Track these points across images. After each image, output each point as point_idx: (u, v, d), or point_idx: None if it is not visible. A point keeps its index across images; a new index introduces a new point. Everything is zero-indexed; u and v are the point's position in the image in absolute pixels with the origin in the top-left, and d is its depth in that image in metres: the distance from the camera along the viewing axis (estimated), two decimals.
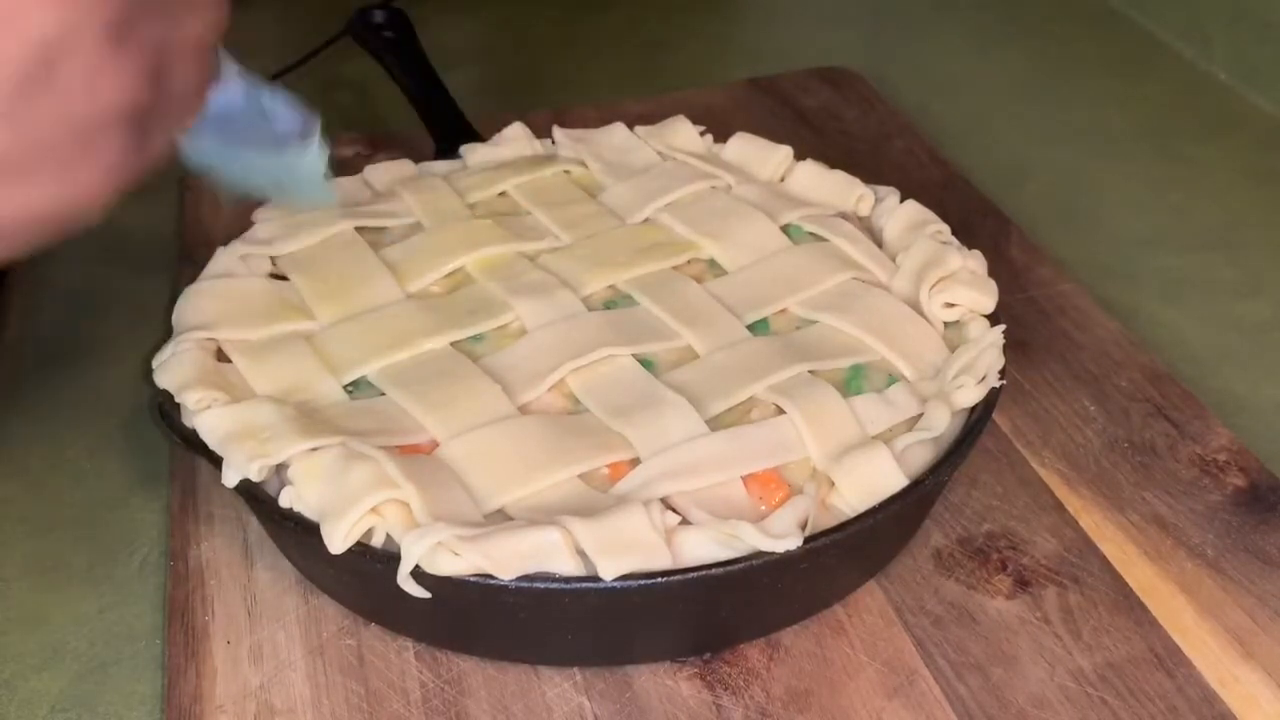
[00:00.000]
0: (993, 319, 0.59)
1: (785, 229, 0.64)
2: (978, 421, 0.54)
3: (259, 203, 0.64)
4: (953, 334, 0.59)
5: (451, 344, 0.56)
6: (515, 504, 0.49)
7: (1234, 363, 0.69)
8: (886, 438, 0.52)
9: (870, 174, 0.68)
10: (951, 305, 0.59)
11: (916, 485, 0.50)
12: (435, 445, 0.51)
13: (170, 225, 0.77)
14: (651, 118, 0.73)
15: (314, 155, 0.49)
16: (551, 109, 0.84)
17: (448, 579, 0.45)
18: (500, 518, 0.49)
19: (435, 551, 0.45)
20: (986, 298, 0.59)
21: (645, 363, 0.56)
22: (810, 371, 0.55)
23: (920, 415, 0.53)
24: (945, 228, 0.63)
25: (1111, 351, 0.67)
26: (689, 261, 0.62)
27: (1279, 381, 0.68)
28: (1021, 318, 0.69)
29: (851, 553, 0.51)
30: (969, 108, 0.94)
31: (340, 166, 0.57)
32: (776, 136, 0.70)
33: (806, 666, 0.51)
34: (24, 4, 0.32)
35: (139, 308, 0.70)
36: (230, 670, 0.51)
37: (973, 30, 1.06)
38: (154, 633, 0.55)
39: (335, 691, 0.50)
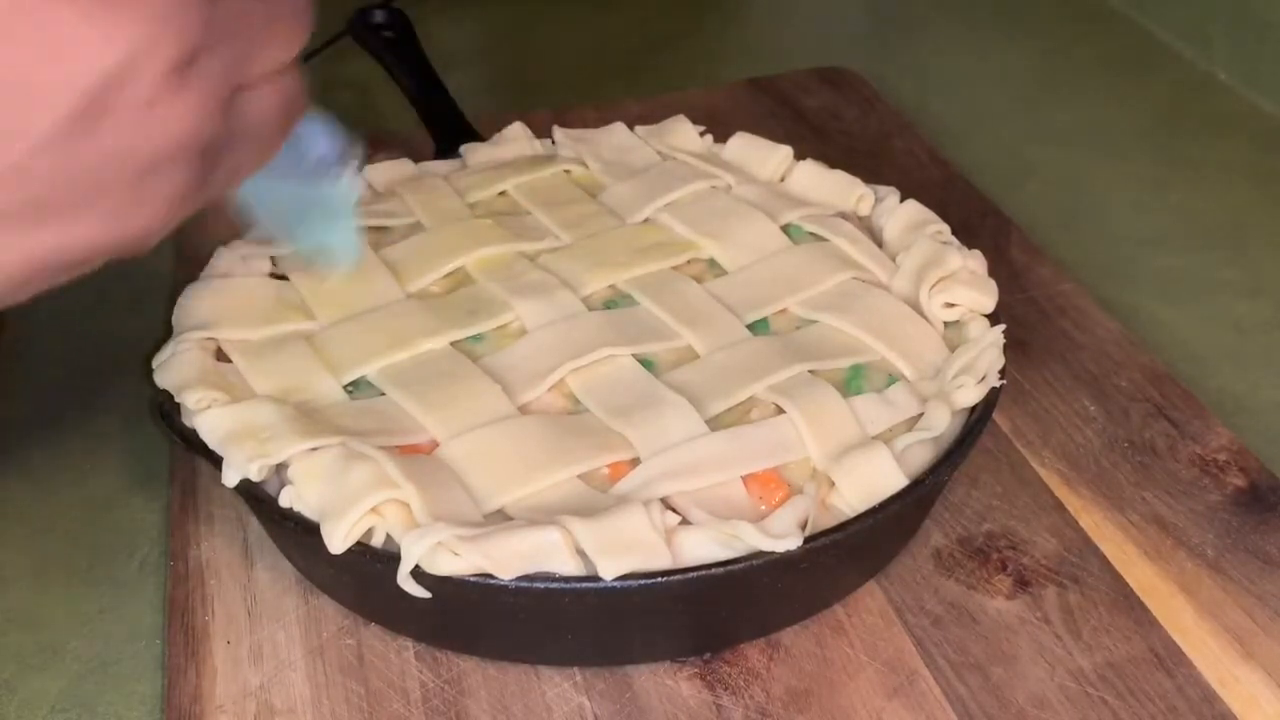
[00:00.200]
0: (993, 319, 0.59)
1: (785, 229, 0.64)
2: (978, 421, 0.54)
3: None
4: (953, 334, 0.59)
5: (451, 344, 0.56)
6: (515, 504, 0.49)
7: (1234, 363, 0.69)
8: (886, 438, 0.52)
9: (870, 174, 0.68)
10: (951, 305, 0.59)
11: (916, 485, 0.50)
12: (435, 445, 0.51)
13: None
14: (651, 118, 0.73)
15: (345, 190, 0.47)
16: (551, 109, 0.84)
17: (448, 579, 0.45)
18: (500, 518, 0.49)
19: (435, 551, 0.45)
20: (986, 298, 0.59)
21: (645, 363, 0.56)
22: (810, 371, 0.55)
23: (920, 415, 0.53)
24: (945, 228, 0.63)
25: (1111, 351, 0.67)
26: (689, 261, 0.62)
27: (1279, 381, 0.68)
28: (1021, 318, 0.69)
29: (851, 553, 0.51)
30: (969, 108, 0.94)
31: None
32: (776, 136, 0.70)
33: (806, 666, 0.51)
34: (82, 34, 0.30)
35: (139, 308, 0.70)
36: (230, 670, 0.51)
37: (973, 30, 1.06)
38: (154, 633, 0.55)
39: (335, 691, 0.50)
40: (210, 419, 0.51)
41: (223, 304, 0.57)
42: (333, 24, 0.95)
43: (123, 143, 0.32)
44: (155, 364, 0.55)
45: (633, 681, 0.50)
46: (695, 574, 0.46)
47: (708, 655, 0.51)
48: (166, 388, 0.53)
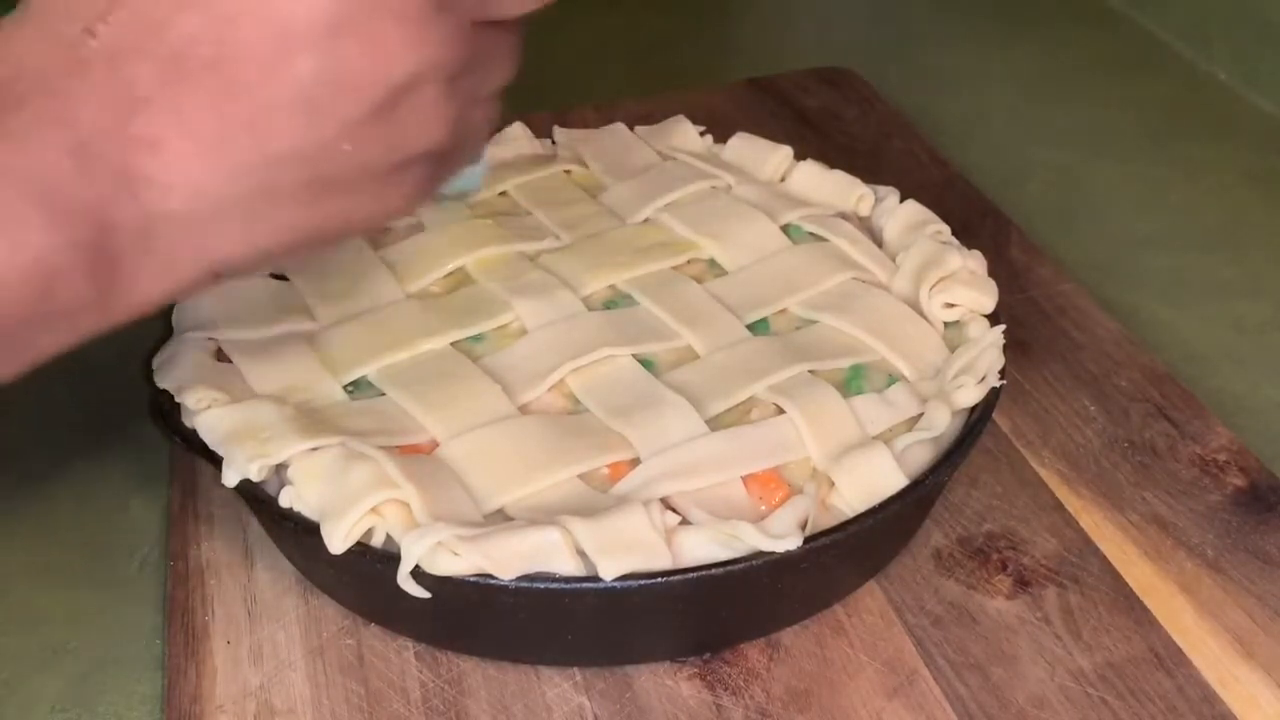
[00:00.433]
0: (993, 319, 0.59)
1: (785, 229, 0.64)
2: (978, 421, 0.54)
3: None
4: (953, 334, 0.59)
5: (451, 344, 0.56)
6: (515, 504, 0.49)
7: (1234, 363, 0.69)
8: (886, 438, 0.52)
9: (870, 174, 0.68)
10: (951, 305, 0.59)
11: (916, 485, 0.50)
12: (435, 445, 0.51)
13: None
14: (651, 118, 0.73)
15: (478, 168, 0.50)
16: (551, 109, 0.84)
17: (448, 579, 0.45)
18: (500, 518, 0.49)
19: (435, 551, 0.45)
20: (986, 298, 0.59)
21: (645, 363, 0.56)
22: (810, 371, 0.55)
23: (920, 415, 0.53)
24: (945, 228, 0.63)
25: (1111, 351, 0.67)
26: (689, 261, 0.62)
27: (1279, 381, 0.68)
28: (1021, 318, 0.69)
29: (851, 553, 0.51)
30: (969, 108, 0.94)
31: None
32: (776, 136, 0.70)
33: (806, 666, 0.51)
34: (394, 44, 0.36)
35: None
36: (230, 670, 0.51)
37: (973, 30, 1.06)
38: (154, 633, 0.55)
39: (335, 691, 0.50)
40: (210, 419, 0.51)
41: (223, 304, 0.57)
42: None
43: (399, 137, 0.38)
44: (155, 364, 0.55)
45: (633, 681, 0.50)
46: (695, 574, 0.46)
47: (708, 655, 0.51)
48: (166, 388, 0.53)
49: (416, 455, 0.50)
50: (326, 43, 0.35)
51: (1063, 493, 0.59)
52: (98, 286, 0.35)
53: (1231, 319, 0.72)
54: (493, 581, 0.45)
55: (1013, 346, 0.58)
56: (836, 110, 0.90)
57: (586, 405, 0.54)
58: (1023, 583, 0.55)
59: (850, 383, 0.55)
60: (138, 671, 0.53)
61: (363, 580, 0.51)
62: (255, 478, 0.49)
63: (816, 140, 0.86)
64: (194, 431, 0.51)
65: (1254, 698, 0.50)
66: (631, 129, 0.72)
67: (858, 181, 0.67)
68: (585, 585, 0.46)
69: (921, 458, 0.52)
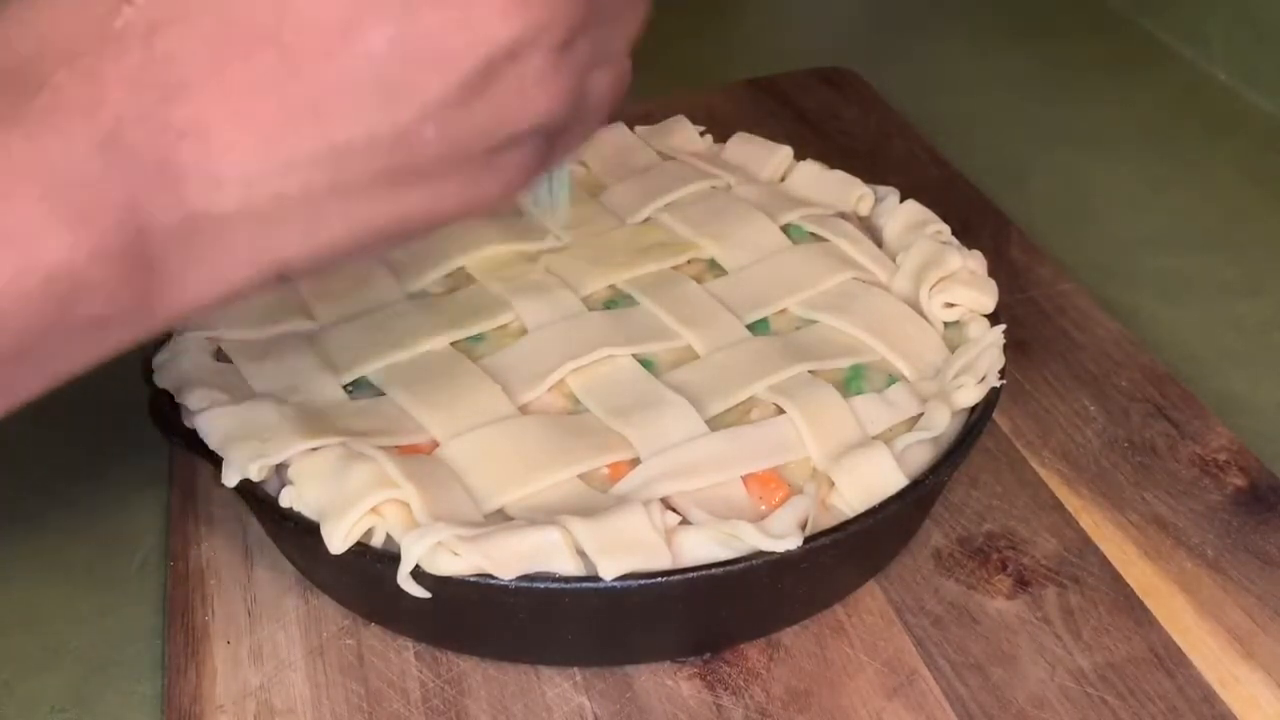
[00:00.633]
0: (993, 319, 0.59)
1: (785, 229, 0.64)
2: (978, 421, 0.54)
3: None
4: (953, 334, 0.59)
5: (451, 344, 0.56)
6: (515, 504, 0.49)
7: (1234, 363, 0.69)
8: (886, 438, 0.52)
9: (870, 174, 0.68)
10: (951, 305, 0.59)
11: (916, 485, 0.50)
12: (435, 445, 0.51)
13: None
14: (651, 118, 0.73)
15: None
16: None
17: (448, 579, 0.45)
18: (500, 518, 0.49)
19: (435, 551, 0.45)
20: (986, 298, 0.59)
21: (645, 363, 0.56)
22: (810, 371, 0.55)
23: (920, 415, 0.53)
24: (945, 228, 0.63)
25: (1111, 351, 0.67)
26: (689, 261, 0.62)
27: (1279, 381, 0.68)
28: (1021, 318, 0.69)
29: (851, 553, 0.51)
30: (969, 108, 0.94)
31: None
32: (776, 136, 0.70)
33: (806, 666, 0.51)
34: (484, 12, 0.31)
35: None
36: (230, 670, 0.51)
37: (973, 30, 1.06)
38: (154, 633, 0.55)
39: (335, 691, 0.50)
40: (210, 419, 0.51)
41: None
42: None
43: (495, 116, 0.32)
44: (155, 364, 0.55)
45: (633, 681, 0.50)
46: (695, 574, 0.46)
47: (708, 655, 0.51)
48: (166, 388, 0.53)
49: (416, 455, 0.50)
50: (404, 10, 0.30)
51: (1063, 493, 0.59)
52: (134, 294, 0.31)
53: (1231, 319, 0.72)
54: (493, 581, 0.45)
55: (1013, 346, 0.58)
56: (836, 110, 0.90)
57: (586, 405, 0.54)
58: (1023, 583, 0.55)
59: (850, 383, 0.55)
60: (138, 671, 0.53)
61: (363, 580, 0.51)
62: (255, 478, 0.49)
63: (816, 140, 0.86)
64: (194, 431, 0.51)
65: (1254, 698, 0.50)
66: (631, 129, 0.72)
67: (858, 181, 0.67)
68: (585, 585, 0.46)
69: (921, 458, 0.52)
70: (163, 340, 0.56)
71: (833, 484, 0.50)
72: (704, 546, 0.47)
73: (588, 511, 0.47)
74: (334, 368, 0.55)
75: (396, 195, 0.33)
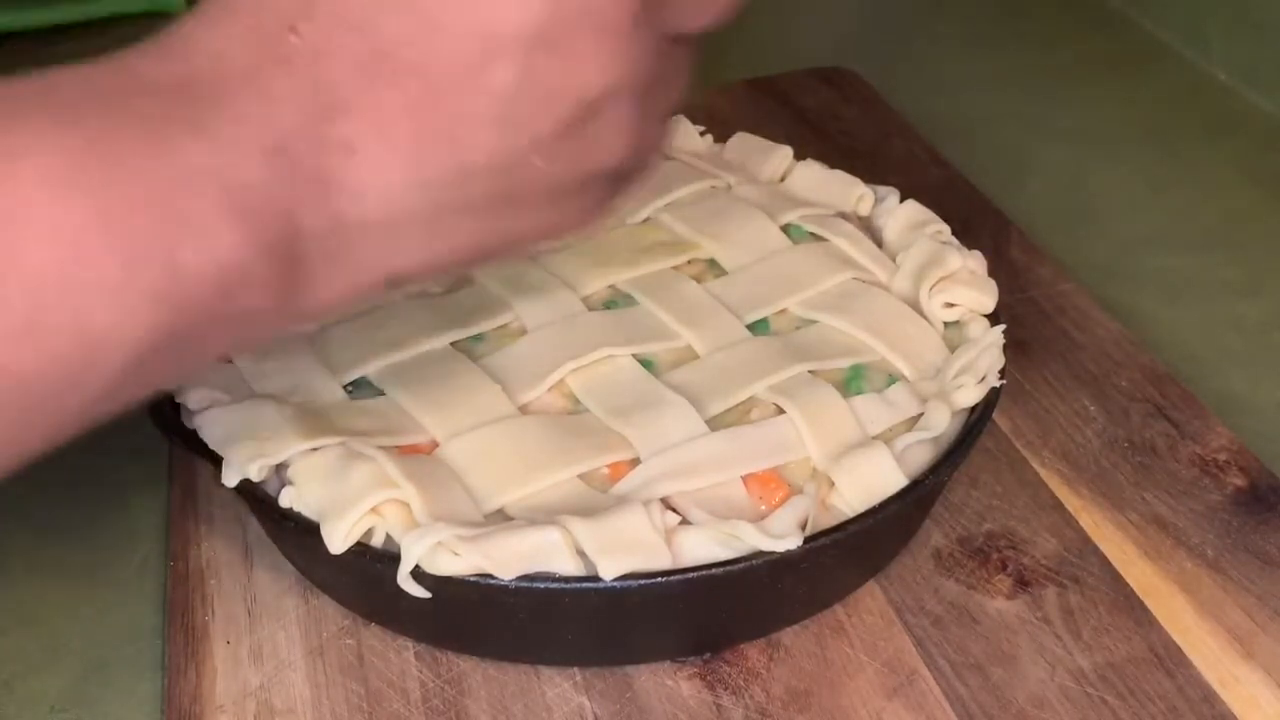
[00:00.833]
0: (993, 319, 0.59)
1: (785, 229, 0.64)
2: (978, 421, 0.54)
3: None
4: (953, 334, 0.59)
5: (451, 344, 0.56)
6: (515, 504, 0.49)
7: (1234, 363, 0.69)
8: (886, 438, 0.52)
9: (870, 174, 0.68)
10: (951, 305, 0.59)
11: (916, 485, 0.50)
12: (435, 445, 0.51)
13: None
14: None
15: None
16: None
17: (448, 579, 0.45)
18: (500, 518, 0.49)
19: (435, 551, 0.45)
20: (986, 298, 0.59)
21: (645, 363, 0.56)
22: (810, 371, 0.55)
23: (920, 415, 0.53)
24: (945, 227, 0.63)
25: (1111, 351, 0.67)
26: (689, 261, 0.62)
27: (1279, 381, 0.68)
28: (1021, 318, 0.69)
29: (851, 553, 0.51)
30: (969, 108, 0.94)
31: None
32: (776, 136, 0.70)
33: (806, 666, 0.51)
34: (593, 59, 0.35)
35: None
36: (230, 670, 0.51)
37: (973, 30, 1.06)
38: (154, 633, 0.55)
39: (335, 691, 0.50)
40: (210, 419, 0.51)
41: None
42: None
43: (589, 152, 0.36)
44: None
45: (633, 681, 0.50)
46: (695, 574, 0.46)
47: (708, 655, 0.51)
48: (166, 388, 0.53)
49: (416, 455, 0.50)
50: (527, 54, 0.34)
51: (1063, 493, 0.59)
52: (279, 291, 0.34)
53: (1231, 319, 0.72)
54: (493, 581, 0.45)
55: (1013, 346, 0.58)
56: (836, 110, 0.90)
57: (586, 405, 0.54)
58: (1023, 583, 0.55)
59: (850, 383, 0.55)
60: (138, 671, 0.53)
61: (363, 580, 0.51)
62: (255, 478, 0.49)
63: (816, 140, 0.86)
64: (194, 431, 0.51)
65: (1254, 698, 0.50)
66: None
67: (858, 181, 0.67)
68: (585, 585, 0.46)
69: (921, 458, 0.52)
70: None
71: (833, 484, 0.50)
72: (704, 546, 0.47)
73: (588, 511, 0.47)
74: (334, 368, 0.55)
75: (501, 217, 0.37)
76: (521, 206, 0.37)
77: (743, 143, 0.70)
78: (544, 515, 0.47)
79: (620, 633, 0.50)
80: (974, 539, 0.57)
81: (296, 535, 0.48)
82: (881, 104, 0.91)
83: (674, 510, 0.48)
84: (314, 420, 0.51)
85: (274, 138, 0.33)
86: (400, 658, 0.52)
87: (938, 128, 0.88)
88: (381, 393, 0.54)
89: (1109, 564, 0.55)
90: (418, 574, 0.46)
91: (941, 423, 0.52)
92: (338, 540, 0.46)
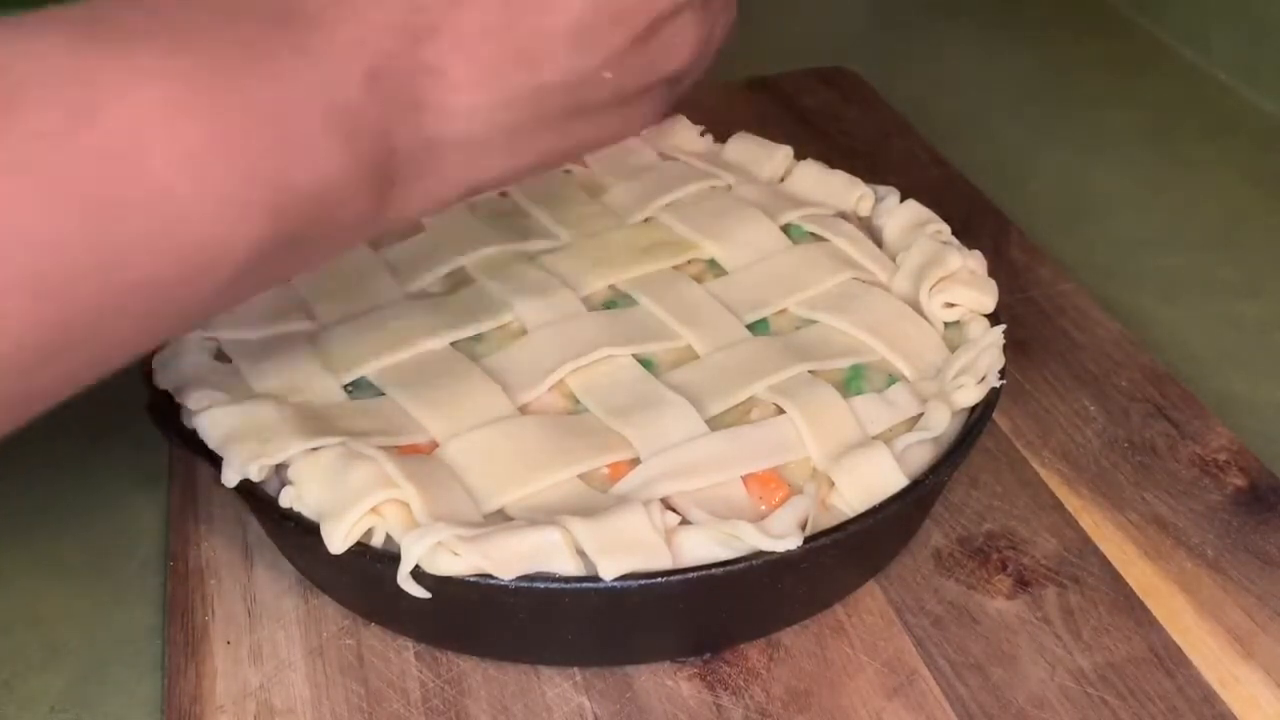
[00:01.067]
0: (993, 319, 0.59)
1: (785, 229, 0.64)
2: (978, 421, 0.54)
3: None
4: (953, 334, 0.59)
5: (451, 344, 0.56)
6: (515, 504, 0.49)
7: (1234, 363, 0.69)
8: (886, 438, 0.52)
9: (870, 174, 0.68)
10: (951, 305, 0.59)
11: (916, 485, 0.50)
12: (435, 445, 0.51)
13: None
14: None
15: None
16: None
17: (448, 579, 0.45)
18: (500, 518, 0.49)
19: (435, 551, 0.45)
20: (987, 297, 0.59)
21: (645, 363, 0.56)
22: (810, 371, 0.55)
23: (920, 415, 0.53)
24: (945, 227, 0.63)
25: (1111, 351, 0.67)
26: (689, 261, 0.62)
27: (1279, 381, 0.68)
28: (1021, 318, 0.69)
29: (851, 553, 0.51)
30: (969, 108, 0.94)
31: None
32: (776, 136, 0.70)
33: (806, 666, 0.51)
34: None
35: None
36: (230, 670, 0.51)
37: (973, 30, 1.06)
38: (154, 633, 0.55)
39: (335, 691, 0.50)
40: (210, 419, 0.51)
41: None
42: None
43: (654, 63, 0.39)
44: (155, 364, 0.55)
45: (633, 681, 0.50)
46: (695, 574, 0.46)
47: (708, 655, 0.51)
48: (166, 388, 0.53)
49: (416, 455, 0.50)
50: None
51: (1063, 493, 0.59)
52: (374, 204, 0.36)
53: (1231, 319, 0.72)
54: (493, 581, 0.45)
55: (1013, 346, 0.58)
56: (836, 110, 0.90)
57: (586, 405, 0.54)
58: (1023, 583, 0.55)
59: (850, 383, 0.55)
60: (138, 671, 0.53)
61: (363, 580, 0.51)
62: (255, 478, 0.49)
63: (816, 140, 0.86)
64: (194, 431, 0.51)
65: (1254, 698, 0.50)
66: None
67: (858, 181, 0.67)
68: (585, 585, 0.46)
69: (921, 458, 0.52)
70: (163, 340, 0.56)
71: (833, 484, 0.50)
72: (704, 546, 0.47)
73: (588, 511, 0.47)
74: (334, 368, 0.55)
75: (573, 127, 0.40)
76: (590, 115, 0.40)
77: (743, 143, 0.70)
78: (544, 515, 0.47)
79: (620, 633, 0.50)
80: (974, 539, 0.57)
81: (296, 535, 0.48)
82: (881, 104, 0.91)
83: (674, 510, 0.48)
84: (314, 420, 0.51)
85: (371, 61, 0.35)
86: (400, 658, 0.52)
87: (938, 128, 0.88)
88: (381, 393, 0.54)
89: (1109, 564, 0.55)
90: (418, 574, 0.46)
91: (941, 423, 0.52)
92: (338, 540, 0.46)
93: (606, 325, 0.57)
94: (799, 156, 0.69)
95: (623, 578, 0.45)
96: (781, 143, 0.70)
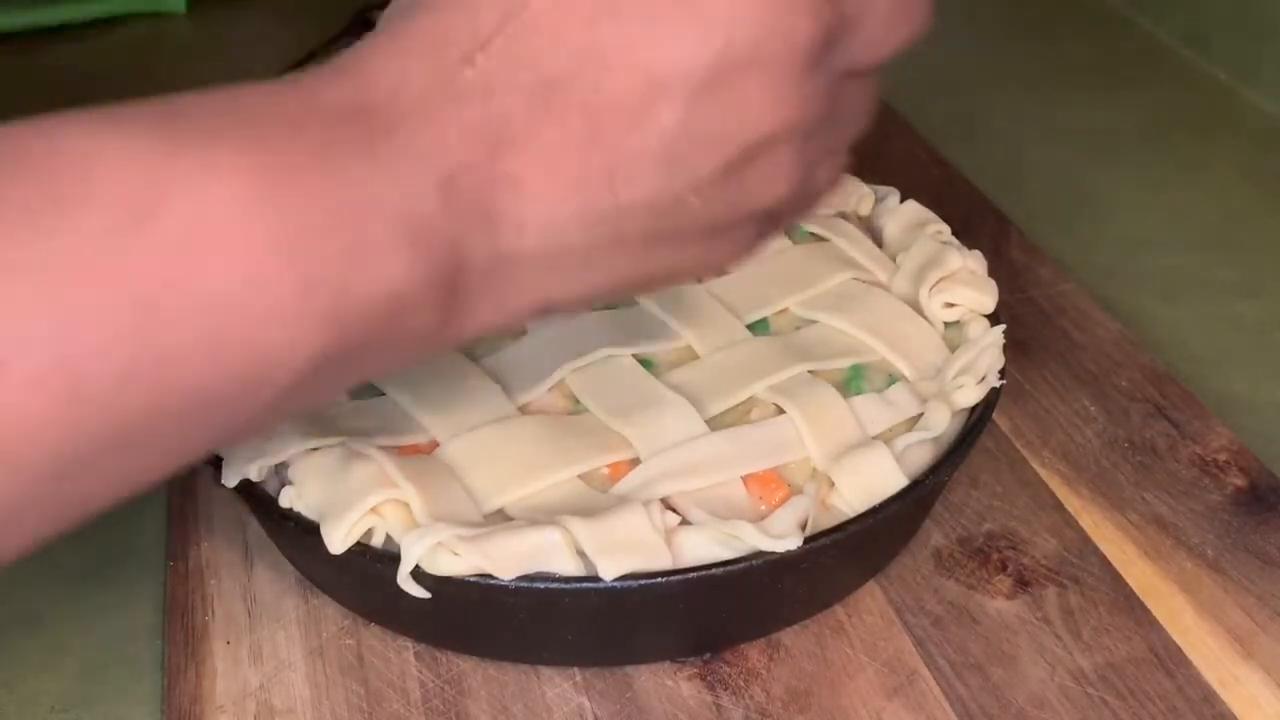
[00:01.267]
0: (993, 319, 0.59)
1: (785, 229, 0.64)
2: (978, 421, 0.54)
3: None
4: (953, 334, 0.59)
5: None
6: (515, 504, 0.49)
7: (1234, 363, 0.69)
8: (886, 438, 0.52)
9: (870, 174, 0.68)
10: (951, 305, 0.59)
11: (916, 485, 0.50)
12: (435, 445, 0.51)
13: None
14: None
15: None
16: None
17: (448, 579, 0.45)
18: (500, 518, 0.49)
19: (435, 551, 0.45)
20: (986, 298, 0.59)
21: (645, 363, 0.56)
22: (810, 371, 0.55)
23: (920, 415, 0.53)
24: (945, 227, 0.63)
25: (1111, 351, 0.67)
26: None
27: (1279, 381, 0.68)
28: (1021, 318, 0.69)
29: (851, 553, 0.51)
30: (969, 108, 0.94)
31: None
32: None
33: (806, 666, 0.51)
34: (759, 105, 0.35)
35: None
36: (230, 670, 0.51)
37: (972, 30, 1.06)
38: (154, 633, 0.55)
39: (335, 691, 0.50)
40: None
41: None
42: (333, 24, 0.95)
43: (746, 194, 0.37)
44: None
45: (633, 681, 0.50)
46: (695, 574, 0.46)
47: (708, 655, 0.51)
48: None
49: (416, 455, 0.50)
50: (694, 96, 0.34)
51: (1063, 493, 0.59)
52: (440, 317, 0.35)
53: (1231, 319, 0.72)
54: (493, 581, 0.45)
55: (1013, 346, 0.58)
56: None
57: (586, 405, 0.54)
58: (1023, 583, 0.55)
59: (850, 383, 0.55)
60: (138, 671, 0.53)
61: (363, 580, 0.51)
62: (255, 478, 0.49)
63: None
64: None
65: (1254, 698, 0.50)
66: None
67: (858, 181, 0.67)
68: (585, 585, 0.46)
69: (921, 458, 0.52)
70: None
71: (833, 484, 0.50)
72: (704, 546, 0.47)
73: (588, 511, 0.47)
74: None
75: (654, 254, 0.37)
76: (673, 243, 0.37)
77: None
78: (544, 515, 0.47)
79: (620, 633, 0.50)
80: (974, 539, 0.57)
81: (296, 535, 0.48)
82: (881, 104, 0.90)
83: (674, 510, 0.48)
84: (314, 420, 0.51)
85: (446, 169, 0.33)
86: (400, 658, 0.52)
87: (938, 128, 0.88)
88: (381, 393, 0.54)
89: (1109, 564, 0.55)
90: (418, 574, 0.46)
91: (941, 423, 0.52)
92: (338, 540, 0.46)
93: (606, 325, 0.57)
94: None
95: (623, 578, 0.45)
96: None
